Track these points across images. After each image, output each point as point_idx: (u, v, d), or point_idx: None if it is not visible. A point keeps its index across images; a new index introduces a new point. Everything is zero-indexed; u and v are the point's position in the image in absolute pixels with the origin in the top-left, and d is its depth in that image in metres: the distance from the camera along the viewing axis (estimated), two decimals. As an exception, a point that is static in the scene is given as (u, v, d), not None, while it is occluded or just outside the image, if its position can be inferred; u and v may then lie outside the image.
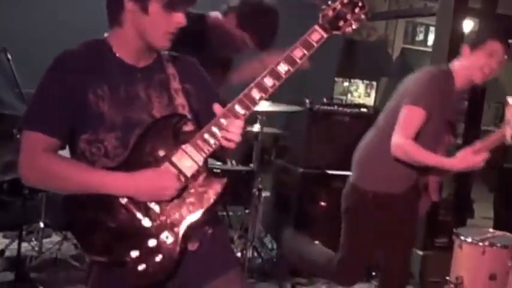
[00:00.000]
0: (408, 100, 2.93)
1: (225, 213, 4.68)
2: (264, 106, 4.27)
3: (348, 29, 1.90)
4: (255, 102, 1.84)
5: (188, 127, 1.89)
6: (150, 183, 1.77)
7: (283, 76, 1.84)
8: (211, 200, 1.86)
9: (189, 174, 1.81)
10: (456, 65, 3.08)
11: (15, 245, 4.13)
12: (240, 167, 4.43)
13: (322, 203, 4.65)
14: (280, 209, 4.96)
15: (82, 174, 1.76)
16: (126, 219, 1.77)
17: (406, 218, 3.14)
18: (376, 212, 3.09)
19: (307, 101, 4.60)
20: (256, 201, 4.37)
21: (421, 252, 4.58)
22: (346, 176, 4.67)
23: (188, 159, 1.81)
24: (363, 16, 1.89)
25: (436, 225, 4.73)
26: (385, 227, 3.13)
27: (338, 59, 7.13)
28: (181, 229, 1.80)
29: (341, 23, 1.87)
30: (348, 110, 4.81)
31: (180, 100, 1.92)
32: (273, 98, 4.36)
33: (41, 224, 4.32)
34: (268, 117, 4.36)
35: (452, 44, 4.46)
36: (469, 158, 2.83)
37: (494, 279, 3.75)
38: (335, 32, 1.88)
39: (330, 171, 4.64)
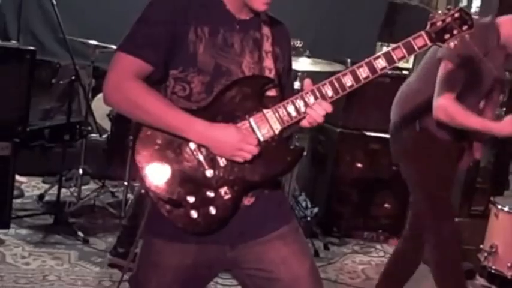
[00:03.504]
0: (442, 54, 2.75)
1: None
2: (306, 63, 4.23)
3: (451, 44, 1.86)
4: (344, 89, 1.81)
5: (272, 92, 1.87)
6: (231, 141, 1.74)
7: (378, 71, 1.82)
8: (278, 169, 1.85)
9: (262, 139, 1.79)
10: (506, 21, 2.85)
11: (54, 190, 4.22)
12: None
13: (359, 165, 4.63)
14: (315, 168, 4.95)
15: (167, 112, 1.73)
16: (190, 164, 1.76)
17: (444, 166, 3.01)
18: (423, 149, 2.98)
19: (349, 60, 4.54)
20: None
21: (456, 219, 4.54)
22: (384, 138, 4.65)
23: (266, 125, 1.79)
24: (467, 36, 1.86)
25: (472, 193, 4.67)
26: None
27: (380, 22, 6.99)
28: (241, 189, 1.80)
29: (447, 36, 1.85)
30: (389, 72, 4.72)
31: (268, 63, 1.89)
32: (314, 56, 4.34)
33: (80, 171, 4.39)
34: (308, 75, 4.31)
35: (501, 9, 4.25)
36: None
37: (529, 249, 3.73)
38: (438, 43, 1.86)
39: (368, 133, 4.61)
